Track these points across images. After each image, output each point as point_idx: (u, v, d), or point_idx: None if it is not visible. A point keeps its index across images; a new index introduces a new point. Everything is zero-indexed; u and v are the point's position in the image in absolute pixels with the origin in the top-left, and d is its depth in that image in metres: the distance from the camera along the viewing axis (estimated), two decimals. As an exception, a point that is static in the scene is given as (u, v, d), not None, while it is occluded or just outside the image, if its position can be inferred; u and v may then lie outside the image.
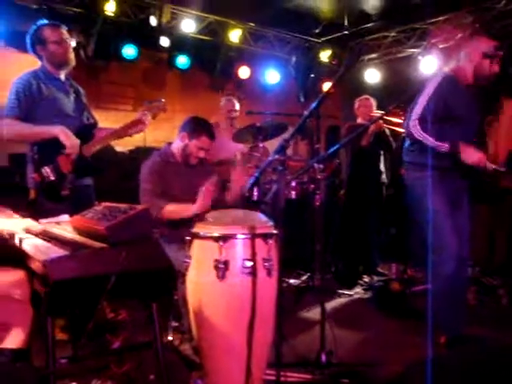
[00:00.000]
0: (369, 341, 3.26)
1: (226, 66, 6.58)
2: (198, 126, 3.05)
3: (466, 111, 3.05)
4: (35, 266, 1.53)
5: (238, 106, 4.91)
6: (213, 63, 6.53)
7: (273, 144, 4.53)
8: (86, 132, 3.09)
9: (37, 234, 2.09)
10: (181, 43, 6.12)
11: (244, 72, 6.69)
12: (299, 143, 6.22)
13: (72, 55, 3.10)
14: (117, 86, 6.21)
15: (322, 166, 2.89)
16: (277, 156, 1.79)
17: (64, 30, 3.06)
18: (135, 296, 1.85)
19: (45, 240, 1.85)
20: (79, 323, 2.22)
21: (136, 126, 3.08)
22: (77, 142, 2.93)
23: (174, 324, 3.01)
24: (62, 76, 3.12)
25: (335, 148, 2.36)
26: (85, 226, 1.73)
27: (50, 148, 2.89)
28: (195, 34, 6.13)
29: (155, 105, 3.15)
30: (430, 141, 2.94)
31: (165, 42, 5.89)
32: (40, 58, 3.05)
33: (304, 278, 4.62)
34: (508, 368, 1.74)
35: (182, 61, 6.23)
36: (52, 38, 3.01)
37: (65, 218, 2.48)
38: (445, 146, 2.94)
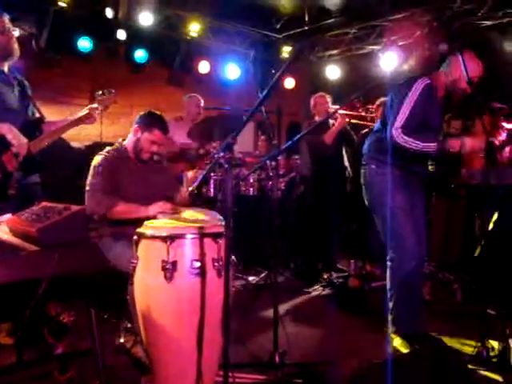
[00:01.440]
0: (326, 339, 3.24)
1: (186, 61, 6.45)
2: (151, 119, 2.95)
3: (437, 121, 3.09)
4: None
5: (202, 103, 4.86)
6: (172, 57, 6.39)
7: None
8: (31, 127, 2.96)
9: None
10: (138, 36, 5.96)
11: (204, 67, 6.59)
12: (259, 139, 6.19)
13: (16, 45, 2.93)
14: (72, 80, 6.01)
15: (274, 162, 2.85)
16: (222, 153, 1.72)
17: (6, 18, 2.89)
18: (73, 299, 1.75)
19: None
20: (20, 328, 2.12)
21: (84, 120, 2.99)
22: (25, 140, 2.80)
23: (127, 325, 2.91)
24: (5, 68, 2.96)
25: (287, 145, 2.32)
26: (19, 227, 1.62)
27: None
28: (153, 27, 5.98)
29: (106, 96, 3.04)
30: (417, 144, 2.88)
31: (121, 34, 5.72)
32: None
33: (262, 275, 4.59)
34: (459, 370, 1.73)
35: (140, 54, 6.07)
36: (9, 27, 2.86)
37: (8, 217, 2.36)
38: (432, 146, 2.89)
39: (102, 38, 5.74)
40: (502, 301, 3.46)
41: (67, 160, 5.39)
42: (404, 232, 3.01)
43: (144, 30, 5.93)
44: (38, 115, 3.09)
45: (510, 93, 5.46)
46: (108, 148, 3.01)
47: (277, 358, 2.57)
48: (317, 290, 4.39)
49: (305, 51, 7.14)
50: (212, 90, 6.70)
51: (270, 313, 3.58)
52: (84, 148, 6.02)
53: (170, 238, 2.12)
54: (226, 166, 1.73)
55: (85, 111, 3.02)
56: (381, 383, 1.79)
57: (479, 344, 2.73)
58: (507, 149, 4.69)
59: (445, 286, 4.19)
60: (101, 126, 5.68)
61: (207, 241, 2.18)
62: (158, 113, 3.04)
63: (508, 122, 4.73)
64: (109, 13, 5.54)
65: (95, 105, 3.02)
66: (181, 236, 2.15)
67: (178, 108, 5.29)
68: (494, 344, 2.76)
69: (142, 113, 3.03)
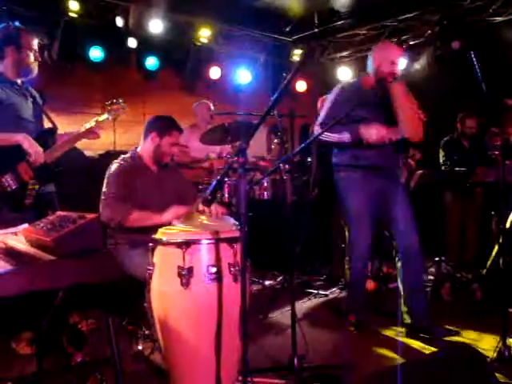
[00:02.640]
0: (343, 342, 3.22)
1: (197, 67, 6.48)
2: (167, 123, 2.97)
3: (369, 112, 3.22)
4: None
5: (213, 108, 4.91)
6: (183, 64, 6.43)
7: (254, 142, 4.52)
8: (45, 137, 3.00)
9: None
10: (149, 44, 6.01)
11: (215, 72, 6.61)
12: (272, 143, 6.18)
13: (34, 65, 2.98)
14: (84, 89, 6.05)
15: (288, 166, 2.85)
16: (236, 158, 1.72)
17: (34, 39, 2.97)
18: (89, 308, 1.76)
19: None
20: (40, 337, 2.13)
21: (87, 135, 3.06)
22: (40, 149, 2.83)
23: (145, 332, 2.92)
24: (19, 81, 3.00)
25: (299, 148, 2.32)
26: (35, 237, 1.64)
27: (9, 155, 2.77)
28: (163, 34, 6.02)
29: (115, 107, 3.06)
30: (332, 136, 3.19)
31: (132, 43, 5.77)
32: (1, 58, 2.90)
33: (279, 279, 4.57)
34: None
35: (151, 62, 6.12)
36: (28, 44, 2.90)
37: (24, 227, 2.39)
38: (346, 136, 3.18)
39: (113, 46, 5.79)
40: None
41: (81, 169, 5.44)
42: (357, 235, 3.35)
43: (154, 37, 5.97)
44: (51, 126, 3.11)
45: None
46: (122, 156, 3.03)
47: (295, 362, 2.55)
48: (334, 293, 4.36)
49: (315, 53, 7.12)
50: (224, 95, 6.72)
51: (287, 316, 3.58)
52: (97, 157, 6.05)
53: (186, 244, 2.12)
54: (240, 170, 1.73)
55: (92, 123, 3.05)
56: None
57: (500, 343, 2.69)
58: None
59: (464, 286, 4.13)
60: (114, 135, 5.73)
61: (223, 246, 2.18)
62: (167, 115, 3.05)
63: None
64: (119, 21, 5.60)
65: (104, 116, 3.06)
66: (196, 242, 2.15)
67: (190, 114, 5.31)
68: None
69: (151, 119, 3.04)
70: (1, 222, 2.49)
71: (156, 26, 5.84)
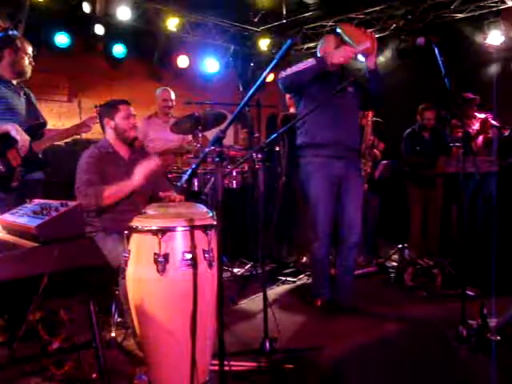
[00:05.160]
0: (311, 326, 3.33)
1: (164, 55, 6.46)
2: (110, 104, 3.05)
3: (325, 90, 3.37)
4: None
5: (173, 96, 4.85)
6: (150, 52, 6.39)
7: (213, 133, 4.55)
8: (35, 130, 3.24)
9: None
10: (117, 31, 5.93)
11: (183, 61, 6.59)
12: (239, 132, 6.23)
13: (29, 69, 3.30)
14: (50, 76, 5.93)
15: (260, 155, 2.92)
16: (213, 147, 1.77)
17: (29, 46, 3.31)
18: (72, 294, 1.79)
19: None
20: (15, 324, 2.14)
21: (82, 128, 3.30)
22: (27, 137, 3.07)
23: (118, 320, 2.95)
24: (14, 82, 3.28)
25: (272, 138, 2.39)
26: (14, 224, 1.65)
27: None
28: (131, 21, 5.95)
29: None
30: (296, 67, 3.37)
31: (99, 29, 5.69)
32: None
33: (248, 266, 4.65)
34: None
35: (119, 49, 6.05)
36: (23, 48, 3.25)
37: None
38: (311, 63, 3.34)
39: (80, 32, 5.69)
40: (479, 283, 3.60)
41: (48, 158, 5.36)
42: (318, 222, 3.51)
43: (122, 24, 5.90)
44: (42, 120, 3.35)
45: (481, 83, 5.64)
46: (93, 145, 3.06)
47: (267, 345, 2.64)
48: (302, 280, 4.48)
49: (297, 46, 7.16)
50: (191, 84, 6.72)
51: (256, 303, 3.69)
52: (64, 145, 5.96)
53: (161, 231, 2.17)
54: (217, 159, 1.78)
55: (83, 120, 3.32)
56: (367, 364, 1.87)
57: (459, 324, 2.84)
58: (480, 138, 4.85)
59: (425, 272, 4.32)
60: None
61: (197, 233, 2.23)
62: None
63: (480, 112, 4.88)
64: (86, 7, 5.49)
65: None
66: (172, 229, 2.20)
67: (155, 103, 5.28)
68: (473, 323, 2.87)
69: (94, 110, 3.15)
70: None
71: (124, 13, 5.76)
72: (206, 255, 2.24)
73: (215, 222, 2.30)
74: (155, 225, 2.21)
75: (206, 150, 1.87)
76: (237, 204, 4.78)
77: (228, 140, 7.13)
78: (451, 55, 3.74)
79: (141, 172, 2.76)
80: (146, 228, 2.22)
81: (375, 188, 4.99)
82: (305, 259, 4.86)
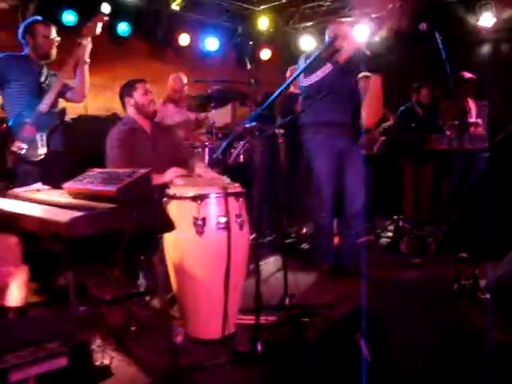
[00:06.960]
0: (321, 287, 3.63)
1: (167, 34, 6.60)
2: (128, 84, 3.30)
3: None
4: (51, 227, 1.69)
5: (185, 80, 5.06)
6: (153, 30, 6.54)
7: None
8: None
9: (25, 200, 2.25)
10: (122, 10, 6.07)
11: (184, 39, 6.74)
12: (238, 109, 6.42)
13: (54, 51, 3.59)
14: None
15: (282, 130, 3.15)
16: (253, 123, 2.04)
17: (53, 27, 3.60)
18: (132, 252, 2.05)
19: (42, 204, 2.03)
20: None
21: (85, 34, 3.63)
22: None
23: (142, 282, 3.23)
24: (42, 62, 3.56)
25: (291, 117, 2.63)
26: (88, 190, 1.90)
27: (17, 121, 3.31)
28: (136, 0, 6.10)
29: (90, 24, 3.63)
30: (317, 75, 3.58)
31: (106, 8, 5.82)
32: (26, 45, 3.50)
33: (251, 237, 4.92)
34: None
35: (123, 28, 6.19)
36: (43, 32, 3.50)
37: (39, 185, 2.65)
38: (328, 69, 3.56)
39: (87, 11, 5.81)
40: (472, 249, 3.92)
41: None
42: (322, 197, 3.75)
43: (127, 3, 6.04)
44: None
45: (475, 63, 5.91)
46: (120, 122, 3.29)
47: (287, 301, 2.96)
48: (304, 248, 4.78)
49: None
50: (192, 62, 6.89)
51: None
52: (70, 121, 6.12)
53: (200, 198, 2.45)
54: (257, 133, 2.05)
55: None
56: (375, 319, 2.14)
57: (453, 283, 3.16)
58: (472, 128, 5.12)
59: (420, 240, 4.64)
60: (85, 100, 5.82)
61: (231, 199, 2.52)
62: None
63: (471, 99, 5.12)
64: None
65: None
66: (208, 196, 2.48)
67: (159, 80, 5.45)
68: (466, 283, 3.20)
69: (119, 91, 3.36)
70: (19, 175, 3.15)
71: (129, -8, 5.90)
72: (238, 219, 2.53)
73: (244, 190, 2.59)
74: (193, 192, 2.49)
75: (246, 125, 2.13)
76: (243, 178, 5.01)
77: (225, 119, 7.34)
78: (444, 37, 4.00)
79: (174, 171, 2.95)
80: (185, 195, 2.50)
81: (370, 162, 5.28)
82: (305, 230, 5.15)
